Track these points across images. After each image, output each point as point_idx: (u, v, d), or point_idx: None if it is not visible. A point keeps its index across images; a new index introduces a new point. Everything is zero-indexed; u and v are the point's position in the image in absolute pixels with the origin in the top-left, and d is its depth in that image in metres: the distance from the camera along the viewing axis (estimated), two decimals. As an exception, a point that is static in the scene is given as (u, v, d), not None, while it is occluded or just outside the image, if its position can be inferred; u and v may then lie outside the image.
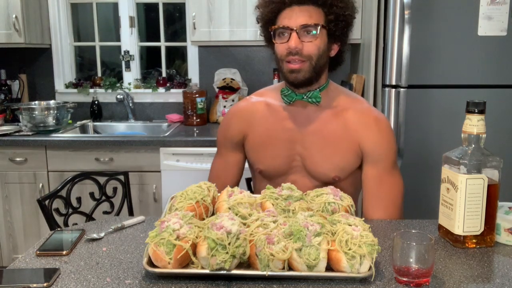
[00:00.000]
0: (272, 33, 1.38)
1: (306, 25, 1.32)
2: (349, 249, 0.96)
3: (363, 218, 1.07)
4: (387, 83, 2.30)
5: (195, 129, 2.91)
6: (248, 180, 1.87)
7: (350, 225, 1.01)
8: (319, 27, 1.33)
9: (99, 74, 3.40)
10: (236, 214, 1.11)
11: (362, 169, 1.45)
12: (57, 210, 1.61)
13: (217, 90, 3.09)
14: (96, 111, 3.22)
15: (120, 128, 3.19)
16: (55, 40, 3.25)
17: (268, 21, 1.39)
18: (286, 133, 1.45)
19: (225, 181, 1.55)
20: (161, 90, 3.25)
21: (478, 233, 1.14)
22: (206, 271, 0.96)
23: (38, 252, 1.11)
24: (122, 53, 3.31)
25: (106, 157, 2.63)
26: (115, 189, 1.78)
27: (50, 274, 1.00)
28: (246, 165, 1.61)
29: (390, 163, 1.42)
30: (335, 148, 1.42)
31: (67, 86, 3.32)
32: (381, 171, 1.41)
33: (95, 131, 3.16)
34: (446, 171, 1.17)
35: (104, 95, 3.27)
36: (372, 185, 1.42)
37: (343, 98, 1.47)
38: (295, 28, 1.32)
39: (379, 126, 1.42)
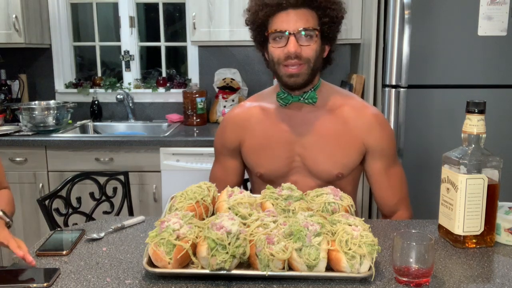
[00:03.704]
0: (268, 37, 1.38)
1: (304, 29, 1.32)
2: (349, 249, 0.96)
3: (363, 218, 1.07)
4: (387, 83, 2.30)
5: (195, 129, 2.91)
6: (245, 181, 1.86)
7: (350, 225, 1.02)
8: (317, 30, 1.34)
9: (99, 74, 3.40)
10: (236, 214, 1.11)
11: (366, 165, 1.49)
12: (57, 210, 1.61)
13: (217, 90, 3.09)
14: (96, 111, 3.22)
15: (120, 128, 3.19)
16: (55, 40, 3.24)
17: (261, 25, 1.39)
18: (283, 135, 1.46)
19: (225, 187, 1.54)
20: (161, 90, 3.25)
21: (478, 233, 1.14)
22: (206, 271, 0.97)
23: (38, 252, 1.11)
24: (122, 53, 3.31)
25: (106, 157, 2.63)
26: (115, 189, 1.78)
27: (50, 274, 1.00)
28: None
29: (393, 154, 1.49)
30: (336, 145, 1.43)
31: (67, 86, 3.32)
32: (387, 163, 1.47)
33: (95, 131, 3.16)
34: (446, 171, 1.17)
35: (104, 95, 3.27)
36: (381, 177, 1.47)
37: (335, 95, 1.49)
38: (293, 32, 1.32)
39: (379, 121, 1.46)
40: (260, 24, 1.39)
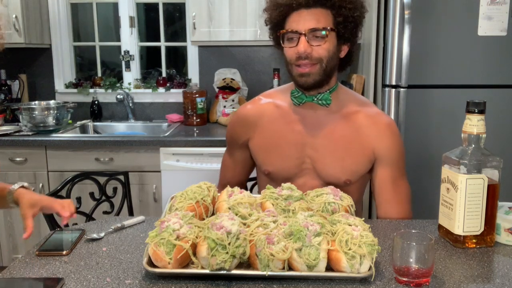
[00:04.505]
0: (281, 37, 1.37)
1: (314, 29, 1.31)
2: (349, 249, 0.96)
3: (363, 218, 1.07)
4: (387, 83, 2.30)
5: (195, 129, 2.91)
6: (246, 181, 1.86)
7: (350, 225, 1.02)
8: (328, 30, 1.33)
9: (99, 74, 3.40)
10: (236, 214, 1.11)
11: (373, 174, 1.46)
12: (57, 210, 1.61)
13: (217, 90, 3.09)
14: (96, 111, 3.22)
15: (120, 128, 3.19)
16: (55, 40, 3.24)
17: (277, 25, 1.39)
18: (295, 135, 1.45)
19: (234, 174, 1.62)
20: (161, 90, 3.25)
21: (478, 233, 1.14)
22: (206, 271, 0.96)
23: (38, 252, 1.11)
24: (122, 53, 3.31)
25: (106, 157, 2.63)
26: (115, 189, 1.78)
27: (53, 284, 0.96)
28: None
29: (402, 166, 1.46)
30: (347, 151, 1.42)
31: (67, 86, 3.32)
32: (394, 173, 1.44)
33: (95, 131, 3.16)
34: (446, 171, 1.17)
35: (104, 95, 3.27)
36: (387, 187, 1.44)
37: (352, 100, 1.47)
38: (303, 32, 1.31)
39: (391, 130, 1.44)
40: (275, 25, 1.39)
